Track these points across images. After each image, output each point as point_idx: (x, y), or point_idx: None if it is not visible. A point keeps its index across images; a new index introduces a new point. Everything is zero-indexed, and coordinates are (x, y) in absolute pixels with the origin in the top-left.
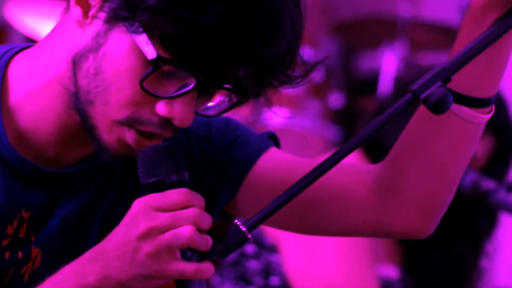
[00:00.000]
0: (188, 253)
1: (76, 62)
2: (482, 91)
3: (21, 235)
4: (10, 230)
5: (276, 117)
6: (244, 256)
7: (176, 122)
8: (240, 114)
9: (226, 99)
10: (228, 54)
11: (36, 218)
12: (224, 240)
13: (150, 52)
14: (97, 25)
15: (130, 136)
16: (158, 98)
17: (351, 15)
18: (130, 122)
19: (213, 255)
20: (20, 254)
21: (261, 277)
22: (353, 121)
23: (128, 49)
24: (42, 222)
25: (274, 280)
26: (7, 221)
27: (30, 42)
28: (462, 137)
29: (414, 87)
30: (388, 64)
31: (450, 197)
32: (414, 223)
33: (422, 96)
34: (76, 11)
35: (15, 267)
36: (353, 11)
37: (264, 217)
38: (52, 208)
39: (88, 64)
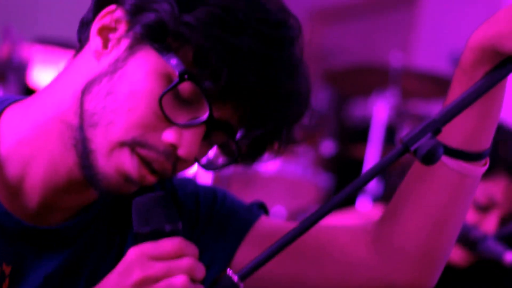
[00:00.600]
0: None
1: (86, 89)
2: (477, 145)
3: None
4: None
5: (268, 165)
6: None
7: (181, 152)
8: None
9: (221, 156)
10: (251, 76)
11: (18, 274)
12: None
13: (178, 66)
14: (117, 52)
15: (130, 162)
16: (170, 122)
17: (343, 64)
18: (134, 145)
19: None
20: None
21: None
22: (345, 168)
23: (149, 71)
24: (23, 278)
25: None
26: None
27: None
28: (460, 190)
29: (405, 138)
30: (379, 112)
31: (450, 249)
32: (417, 277)
33: (413, 147)
34: (96, 41)
35: None
36: (346, 60)
37: (256, 266)
38: (35, 264)
39: (101, 87)
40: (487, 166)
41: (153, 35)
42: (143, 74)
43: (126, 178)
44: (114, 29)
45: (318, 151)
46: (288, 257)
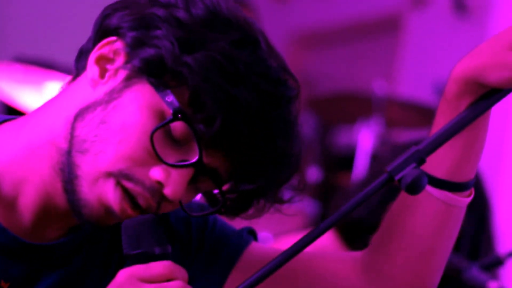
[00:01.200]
0: None
1: (78, 115)
2: (462, 175)
3: None
4: None
5: None
6: None
7: (167, 191)
8: None
9: (207, 205)
10: (245, 128)
11: None
12: None
13: (172, 103)
14: (113, 83)
15: (113, 194)
16: (159, 160)
17: (327, 91)
18: (120, 176)
19: None
20: None
21: None
22: (331, 195)
23: (143, 105)
24: None
25: None
26: None
27: (5, 107)
28: (446, 221)
29: (389, 167)
30: (364, 140)
31: (438, 278)
32: None
33: (397, 176)
34: (94, 70)
35: None
36: (329, 87)
37: None
38: (33, 281)
39: (94, 115)
40: (472, 197)
41: (151, 70)
42: (137, 107)
43: (107, 209)
44: (112, 60)
45: (303, 178)
46: (280, 282)
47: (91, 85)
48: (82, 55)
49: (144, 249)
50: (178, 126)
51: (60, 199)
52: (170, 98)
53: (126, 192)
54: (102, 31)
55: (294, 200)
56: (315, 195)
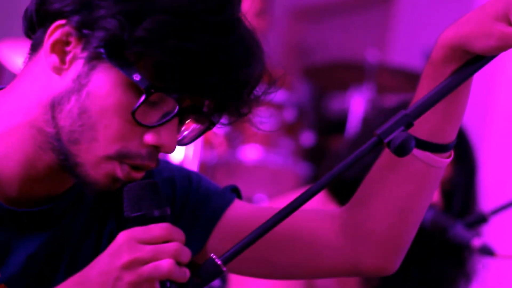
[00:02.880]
0: (167, 284)
1: (55, 105)
2: (443, 137)
3: None
4: None
5: (251, 153)
6: None
7: (164, 150)
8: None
9: (196, 127)
10: (212, 75)
11: (1, 254)
12: (200, 273)
13: (142, 81)
14: (76, 68)
15: (120, 170)
16: (147, 128)
17: (322, 60)
18: (119, 157)
19: (190, 287)
20: None
21: None
22: (323, 158)
23: (114, 84)
24: (6, 258)
25: None
26: None
27: None
28: (425, 180)
29: (378, 131)
30: (356, 106)
31: (413, 234)
32: (381, 262)
33: (386, 139)
34: (52, 58)
35: None
36: (325, 57)
37: (239, 251)
38: (17, 245)
39: (71, 105)
40: (451, 158)
41: (108, 52)
42: (109, 89)
43: (114, 179)
44: (67, 42)
45: (298, 142)
46: (260, 240)
47: (55, 72)
48: (29, 21)
49: (144, 211)
50: (153, 96)
51: (48, 169)
52: (137, 76)
53: (130, 166)
54: (48, 15)
55: (269, 96)
56: (308, 157)
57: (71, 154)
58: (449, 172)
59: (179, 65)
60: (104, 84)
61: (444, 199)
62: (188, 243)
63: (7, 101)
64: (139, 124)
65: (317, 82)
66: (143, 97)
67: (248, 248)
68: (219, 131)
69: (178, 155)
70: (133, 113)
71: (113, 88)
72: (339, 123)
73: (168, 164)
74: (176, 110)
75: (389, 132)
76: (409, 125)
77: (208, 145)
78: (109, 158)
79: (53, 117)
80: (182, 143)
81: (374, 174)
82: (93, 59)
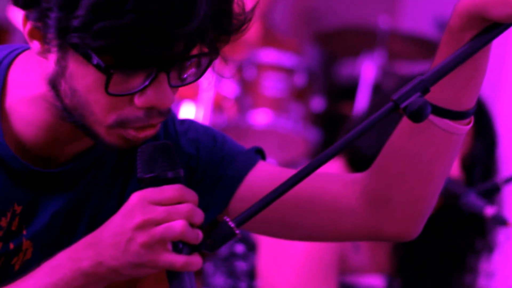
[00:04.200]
0: (179, 245)
1: (54, 86)
2: (462, 105)
3: (13, 227)
4: (3, 223)
5: (261, 118)
6: (233, 255)
7: (158, 107)
8: (227, 115)
9: (196, 64)
10: (163, 37)
11: (28, 212)
12: (213, 235)
13: (99, 64)
14: (54, 52)
15: (127, 134)
16: (130, 95)
17: (333, 26)
18: (120, 125)
19: (203, 249)
20: (11, 246)
21: (247, 277)
22: (333, 124)
23: (85, 66)
24: (32, 216)
25: (258, 282)
26: (0, 214)
27: None
28: (445, 147)
29: (395, 96)
30: (367, 72)
31: (434, 201)
32: (402, 228)
33: (403, 105)
34: (34, 44)
35: (5, 258)
36: (336, 22)
37: (252, 214)
38: (42, 204)
39: (63, 87)
40: (471, 125)
41: (62, 41)
42: (82, 70)
43: (128, 141)
44: (40, 28)
45: (308, 107)
46: (281, 202)
47: (41, 57)
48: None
49: (157, 173)
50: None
51: (67, 135)
52: (95, 59)
53: (135, 129)
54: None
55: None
56: (318, 123)
57: (86, 125)
58: (468, 145)
59: (120, 44)
60: (79, 65)
61: (464, 172)
62: (211, 203)
63: (27, 68)
64: (118, 95)
65: (328, 47)
66: (106, 78)
67: (269, 210)
68: (229, 94)
69: (188, 117)
70: (106, 91)
71: (85, 69)
72: (349, 89)
73: (194, 123)
74: (153, 73)
75: (406, 98)
76: (426, 90)
77: (218, 108)
78: (111, 127)
79: (57, 95)
80: (186, 82)
81: (394, 141)
82: (59, 46)
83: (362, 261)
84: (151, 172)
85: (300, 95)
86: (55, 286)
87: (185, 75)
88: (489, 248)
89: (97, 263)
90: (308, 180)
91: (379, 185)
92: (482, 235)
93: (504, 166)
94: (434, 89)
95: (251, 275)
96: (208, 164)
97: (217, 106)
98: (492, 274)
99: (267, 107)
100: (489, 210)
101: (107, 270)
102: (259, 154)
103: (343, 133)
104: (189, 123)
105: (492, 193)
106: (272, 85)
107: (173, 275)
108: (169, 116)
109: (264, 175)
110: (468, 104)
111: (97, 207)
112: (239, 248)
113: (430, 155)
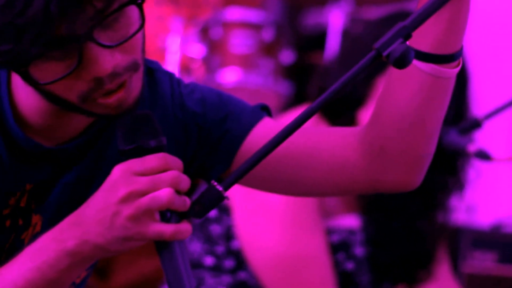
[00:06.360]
0: (167, 214)
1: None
2: (447, 48)
3: (22, 204)
4: (12, 201)
5: (230, 76)
6: (207, 220)
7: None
8: (195, 77)
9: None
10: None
11: (38, 190)
12: (201, 200)
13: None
14: None
15: (103, 103)
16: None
17: None
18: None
19: (192, 215)
20: (20, 221)
21: (224, 240)
22: (304, 75)
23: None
24: (41, 192)
25: (236, 243)
26: (11, 195)
27: None
28: (434, 91)
29: (377, 45)
30: (334, 20)
31: (432, 148)
32: (401, 176)
33: (385, 53)
34: None
35: (16, 233)
36: None
37: (238, 176)
38: (54, 179)
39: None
40: (460, 67)
41: None
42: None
43: (117, 107)
44: None
45: (278, 61)
46: (280, 157)
47: None
48: None
49: (138, 143)
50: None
51: (72, 115)
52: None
53: (110, 92)
54: None
55: None
56: (289, 76)
57: (70, 107)
58: None
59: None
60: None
61: None
62: (216, 160)
63: None
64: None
65: None
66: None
67: (265, 167)
68: (196, 55)
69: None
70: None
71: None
72: (318, 38)
73: (198, 85)
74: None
75: (388, 45)
76: (408, 36)
77: (185, 70)
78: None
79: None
80: (124, 35)
81: (383, 91)
82: None
83: (334, 203)
84: (132, 143)
85: (269, 49)
86: (38, 270)
87: (117, 30)
88: (460, 185)
89: (82, 241)
90: (304, 135)
91: (374, 135)
92: (453, 173)
93: (476, 106)
94: (417, 34)
95: (228, 237)
96: (214, 120)
97: (185, 68)
98: (473, 208)
99: (235, 65)
100: (472, 147)
101: (93, 248)
102: (265, 111)
103: (316, 82)
104: (193, 85)
105: (472, 130)
106: (239, 42)
107: (162, 245)
108: (174, 79)
109: (269, 132)
110: (453, 47)
111: (105, 178)
112: (212, 212)
113: (420, 101)
